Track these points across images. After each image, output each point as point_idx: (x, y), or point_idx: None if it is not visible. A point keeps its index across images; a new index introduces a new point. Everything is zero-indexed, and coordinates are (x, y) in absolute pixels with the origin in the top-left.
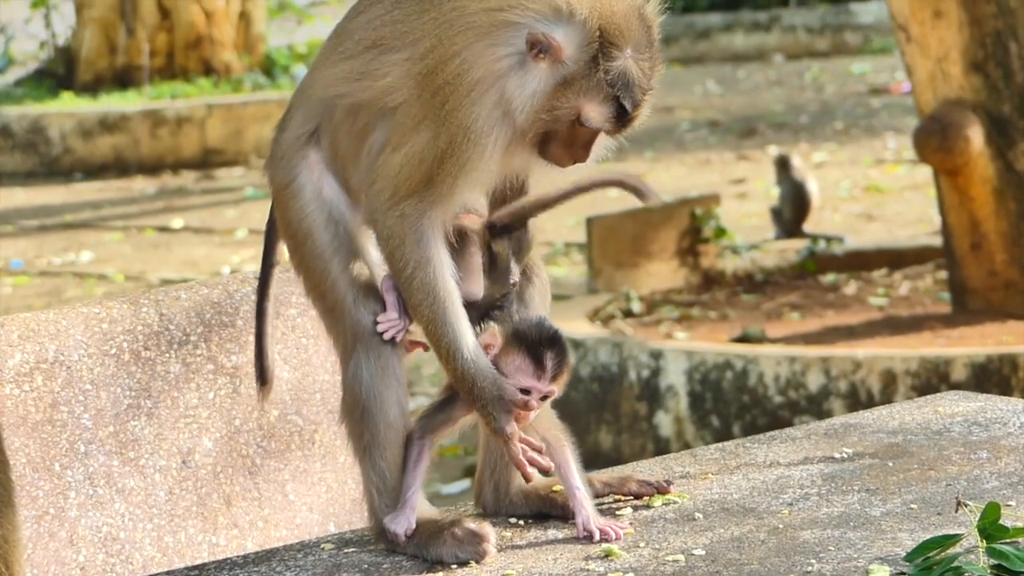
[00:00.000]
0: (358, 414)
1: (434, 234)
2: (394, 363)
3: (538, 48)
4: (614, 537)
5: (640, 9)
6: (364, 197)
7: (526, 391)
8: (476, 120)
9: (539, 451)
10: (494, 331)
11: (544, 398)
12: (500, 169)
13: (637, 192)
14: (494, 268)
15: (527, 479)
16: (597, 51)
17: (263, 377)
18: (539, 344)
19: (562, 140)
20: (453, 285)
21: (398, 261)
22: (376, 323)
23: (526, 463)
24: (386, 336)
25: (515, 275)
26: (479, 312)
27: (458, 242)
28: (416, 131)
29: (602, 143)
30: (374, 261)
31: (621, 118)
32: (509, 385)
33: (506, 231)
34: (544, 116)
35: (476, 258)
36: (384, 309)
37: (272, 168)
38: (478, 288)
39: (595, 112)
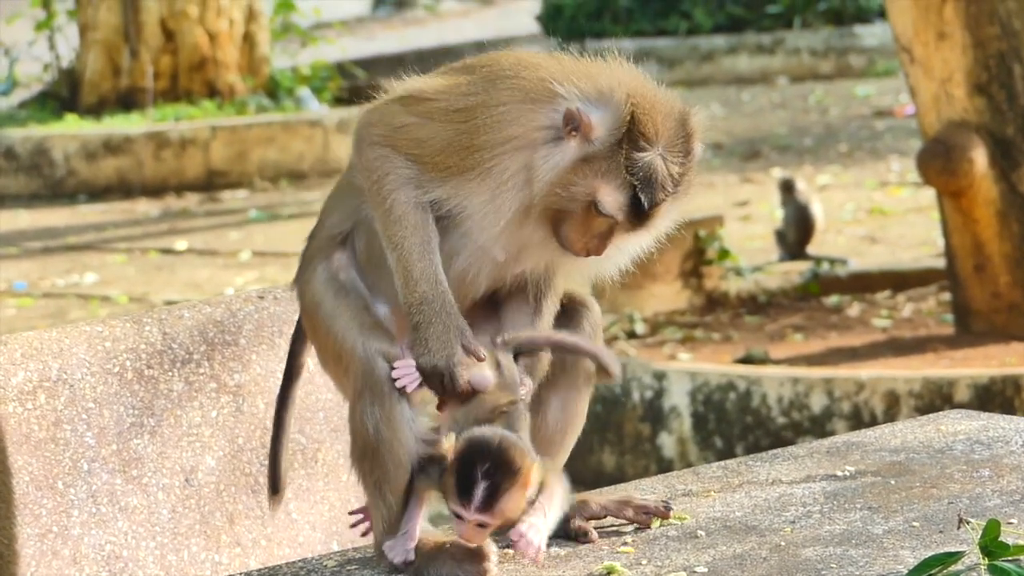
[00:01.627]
0: (369, 456)
1: (412, 185)
2: (402, 405)
3: (572, 125)
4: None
5: (683, 114)
6: (356, 123)
7: (458, 515)
8: (497, 172)
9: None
10: (451, 437)
11: (483, 526)
12: (511, 238)
13: (604, 371)
14: (500, 377)
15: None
16: (623, 136)
17: (275, 486)
18: (472, 470)
19: (577, 224)
20: (433, 224)
21: (376, 194)
22: (392, 368)
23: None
24: (398, 384)
25: (527, 388)
26: (483, 418)
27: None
28: (429, 125)
29: (622, 245)
30: (388, 320)
31: (637, 212)
32: (464, 338)
33: (516, 352)
34: (559, 191)
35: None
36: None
37: (298, 279)
38: (487, 373)
39: (610, 197)
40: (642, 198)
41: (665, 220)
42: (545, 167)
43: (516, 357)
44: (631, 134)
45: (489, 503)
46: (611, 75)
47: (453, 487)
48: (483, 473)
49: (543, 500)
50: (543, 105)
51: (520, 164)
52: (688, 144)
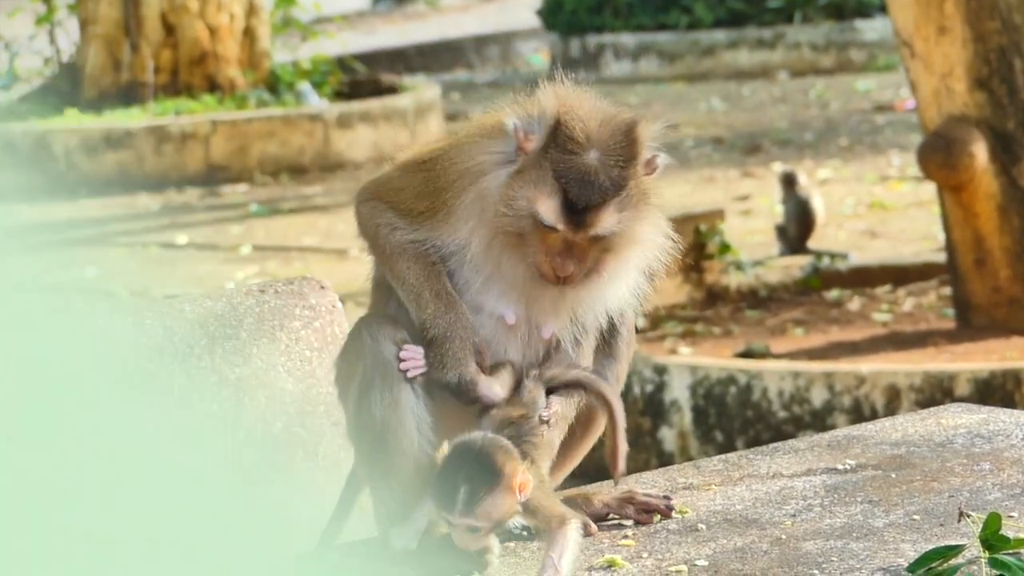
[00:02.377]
0: (376, 447)
1: (400, 228)
2: (408, 394)
3: (517, 146)
4: None
5: (628, 123)
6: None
7: (448, 522)
8: (457, 206)
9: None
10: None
11: (473, 530)
12: (499, 282)
13: (612, 420)
14: (516, 397)
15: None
16: (550, 141)
17: None
18: (454, 474)
19: (537, 246)
20: (435, 255)
21: (375, 243)
22: (400, 351)
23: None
24: (402, 366)
25: (551, 411)
26: (493, 429)
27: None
28: (405, 176)
29: (611, 267)
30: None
31: (574, 216)
32: (479, 356)
33: (548, 387)
34: (505, 210)
35: (505, 369)
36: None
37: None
38: (496, 389)
39: (544, 206)
40: (572, 199)
41: (631, 229)
42: (491, 189)
43: (549, 392)
44: (557, 138)
45: (471, 505)
46: (550, 93)
47: (433, 488)
48: (463, 476)
49: (554, 555)
50: (494, 136)
51: (475, 194)
52: (631, 150)
